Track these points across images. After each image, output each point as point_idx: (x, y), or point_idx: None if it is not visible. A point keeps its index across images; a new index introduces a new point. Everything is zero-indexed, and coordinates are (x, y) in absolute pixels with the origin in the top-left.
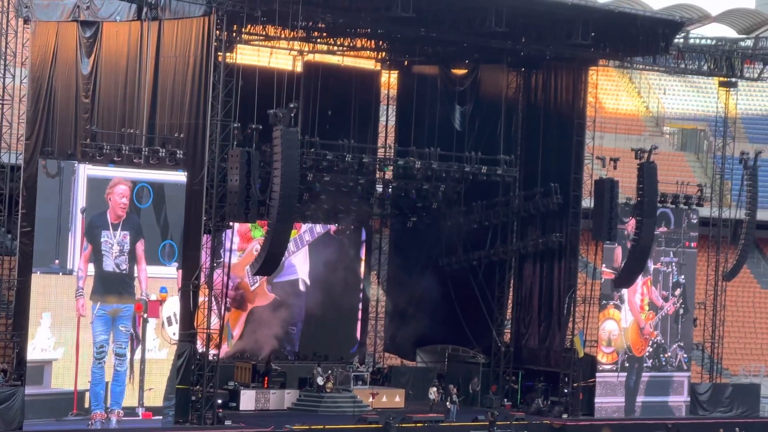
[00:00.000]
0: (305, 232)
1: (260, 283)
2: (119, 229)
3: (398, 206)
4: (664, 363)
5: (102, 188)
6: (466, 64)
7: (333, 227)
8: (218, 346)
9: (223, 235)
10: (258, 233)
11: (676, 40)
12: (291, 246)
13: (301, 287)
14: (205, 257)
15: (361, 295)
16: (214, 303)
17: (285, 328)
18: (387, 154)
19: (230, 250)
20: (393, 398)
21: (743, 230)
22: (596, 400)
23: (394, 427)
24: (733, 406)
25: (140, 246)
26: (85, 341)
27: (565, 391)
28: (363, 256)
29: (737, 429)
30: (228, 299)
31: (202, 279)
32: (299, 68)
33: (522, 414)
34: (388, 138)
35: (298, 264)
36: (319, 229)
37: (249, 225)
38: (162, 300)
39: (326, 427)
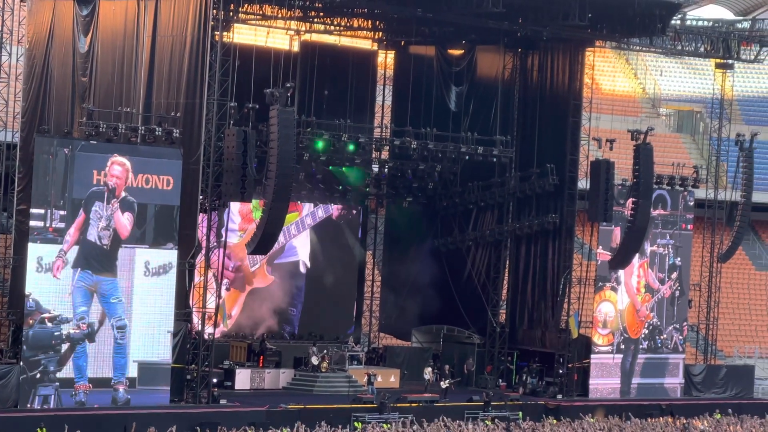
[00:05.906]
0: (307, 215)
1: (260, 265)
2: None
3: (394, 186)
4: (659, 345)
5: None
6: (463, 44)
7: (335, 212)
8: (214, 325)
9: (225, 213)
10: (259, 214)
11: (673, 22)
12: (293, 229)
13: (302, 269)
14: (201, 236)
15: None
16: (213, 282)
17: (284, 309)
18: (383, 134)
19: (227, 229)
20: (388, 378)
21: (738, 212)
22: (591, 381)
23: (389, 406)
24: (727, 388)
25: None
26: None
27: (560, 371)
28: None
29: (729, 410)
30: (228, 280)
31: (198, 258)
32: (296, 48)
33: (517, 394)
34: (385, 118)
35: (299, 246)
36: (321, 213)
37: (251, 206)
38: None
39: (323, 406)
